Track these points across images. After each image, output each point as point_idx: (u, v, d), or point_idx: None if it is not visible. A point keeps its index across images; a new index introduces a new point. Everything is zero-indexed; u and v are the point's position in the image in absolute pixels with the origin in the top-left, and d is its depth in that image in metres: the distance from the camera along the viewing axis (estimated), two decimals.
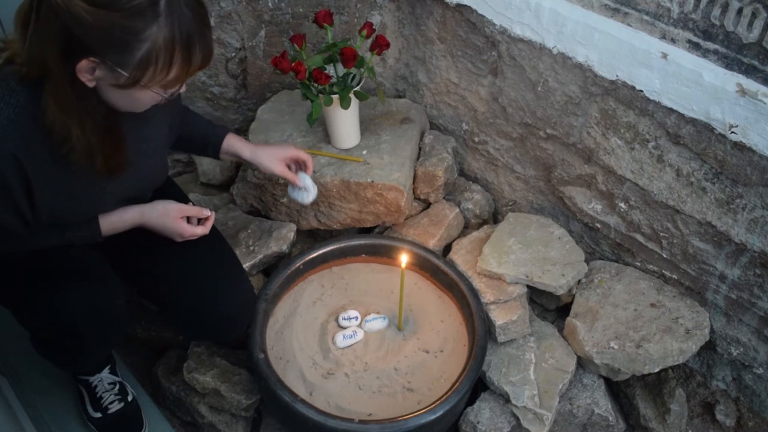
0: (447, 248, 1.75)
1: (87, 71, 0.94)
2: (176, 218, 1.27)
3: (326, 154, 1.68)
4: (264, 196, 1.74)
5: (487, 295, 1.55)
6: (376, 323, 1.54)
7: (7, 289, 1.23)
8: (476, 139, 1.85)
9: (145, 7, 0.90)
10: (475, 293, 1.55)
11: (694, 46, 1.27)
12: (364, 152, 1.71)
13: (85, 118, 1.00)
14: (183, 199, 1.41)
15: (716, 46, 1.24)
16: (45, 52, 0.93)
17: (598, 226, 1.65)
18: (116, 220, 1.24)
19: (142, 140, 1.19)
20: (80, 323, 1.19)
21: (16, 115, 0.98)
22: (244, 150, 1.44)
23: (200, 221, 1.33)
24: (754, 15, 1.16)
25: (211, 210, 1.33)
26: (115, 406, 1.49)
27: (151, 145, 1.22)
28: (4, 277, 1.22)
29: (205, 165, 1.92)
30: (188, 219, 1.31)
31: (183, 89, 1.06)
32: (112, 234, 1.25)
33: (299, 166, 1.49)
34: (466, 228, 1.85)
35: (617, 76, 1.39)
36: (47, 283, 1.19)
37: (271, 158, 1.43)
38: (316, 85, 1.54)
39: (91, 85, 0.97)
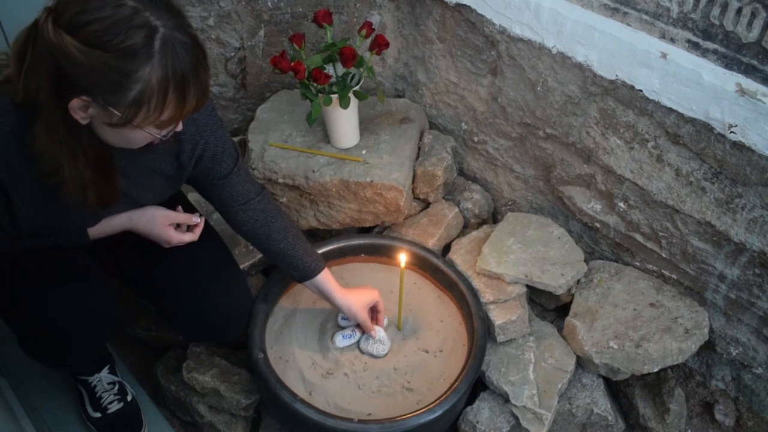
0: (446, 248, 1.75)
1: (80, 109, 0.93)
2: (163, 225, 1.27)
3: (325, 153, 1.68)
4: None
5: (486, 295, 1.55)
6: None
7: None
8: (475, 139, 1.85)
9: (138, 48, 0.87)
10: (474, 293, 1.55)
11: (694, 46, 1.27)
12: (364, 152, 1.71)
13: (77, 153, 0.99)
14: (181, 200, 1.41)
15: (715, 46, 1.24)
16: (38, 87, 0.91)
17: (598, 225, 1.65)
18: (104, 226, 1.23)
19: (140, 174, 1.17)
20: (64, 323, 1.18)
21: (4, 134, 0.98)
22: (336, 292, 1.41)
23: (189, 228, 1.32)
24: (753, 14, 1.16)
25: (200, 216, 1.32)
26: (115, 406, 1.49)
27: (148, 180, 1.20)
28: None
29: None
30: (177, 225, 1.30)
31: (179, 127, 1.04)
32: (100, 237, 1.24)
33: (374, 312, 1.49)
34: (466, 228, 1.85)
35: (617, 75, 1.39)
36: (32, 283, 1.18)
37: (359, 305, 1.43)
38: (315, 84, 1.54)
39: (84, 122, 0.95)
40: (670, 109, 1.33)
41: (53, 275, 1.20)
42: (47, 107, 0.93)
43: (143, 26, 0.87)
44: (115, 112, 0.92)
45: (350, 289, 1.46)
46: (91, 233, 1.22)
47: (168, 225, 1.27)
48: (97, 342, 1.34)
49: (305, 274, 1.39)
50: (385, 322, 1.54)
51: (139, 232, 1.27)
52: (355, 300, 1.43)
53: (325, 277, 1.41)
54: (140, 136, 0.98)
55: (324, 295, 1.43)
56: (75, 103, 0.91)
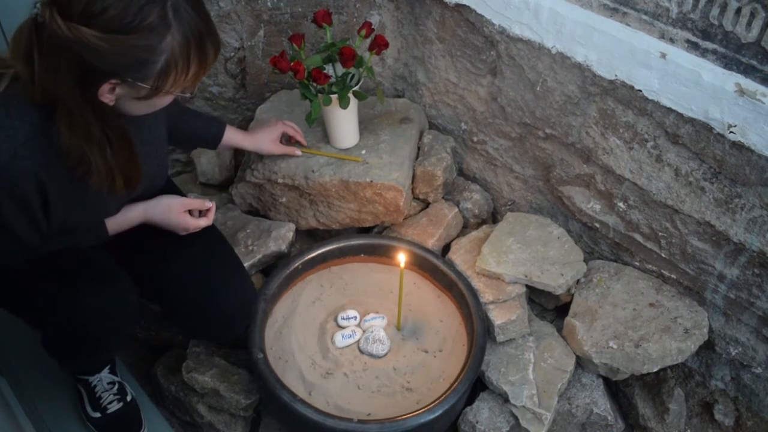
0: (446, 248, 1.75)
1: (107, 93, 0.96)
2: (179, 212, 1.29)
3: (325, 153, 1.68)
4: (263, 196, 1.74)
5: (486, 295, 1.55)
6: (375, 323, 1.54)
7: (17, 293, 1.23)
8: (475, 139, 1.85)
9: (157, 23, 0.90)
10: (474, 293, 1.55)
11: (693, 46, 1.28)
12: (363, 152, 1.71)
13: (104, 142, 1.01)
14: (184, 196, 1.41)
15: (715, 46, 1.24)
16: (59, 84, 0.92)
17: (597, 225, 1.65)
18: (121, 220, 1.25)
19: (144, 144, 1.20)
20: (97, 322, 1.19)
21: (33, 133, 0.98)
22: (245, 142, 1.55)
23: (202, 213, 1.34)
24: (752, 14, 1.16)
25: (211, 201, 1.35)
26: (114, 406, 1.49)
27: (153, 148, 1.23)
28: (10, 280, 1.21)
29: (204, 165, 1.92)
30: (190, 212, 1.32)
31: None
32: (117, 233, 1.26)
33: (290, 140, 1.63)
34: (465, 228, 1.85)
35: (616, 75, 1.39)
36: (62, 284, 1.19)
37: (267, 143, 1.57)
38: (315, 84, 1.54)
39: (112, 104, 0.98)
40: (670, 109, 1.33)
41: (78, 276, 1.21)
42: (71, 102, 0.94)
43: (153, 0, 0.90)
44: (144, 85, 0.95)
45: (255, 130, 1.60)
46: (110, 228, 1.23)
47: (183, 212, 1.30)
48: (122, 340, 1.36)
49: (214, 139, 1.51)
50: (385, 321, 1.55)
51: (155, 222, 1.29)
52: (261, 139, 1.57)
53: (230, 134, 1.53)
54: (167, 99, 1.03)
55: (237, 148, 1.59)
56: (104, 89, 0.94)
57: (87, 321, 1.18)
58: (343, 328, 1.53)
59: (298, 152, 1.61)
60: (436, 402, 1.35)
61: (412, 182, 1.76)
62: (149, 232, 1.31)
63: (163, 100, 1.02)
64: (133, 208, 1.26)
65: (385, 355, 1.49)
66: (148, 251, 1.34)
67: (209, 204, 1.33)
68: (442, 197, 1.84)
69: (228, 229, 1.70)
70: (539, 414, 1.44)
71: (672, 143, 1.38)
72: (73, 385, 1.56)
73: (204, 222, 1.33)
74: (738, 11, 1.18)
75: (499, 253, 1.61)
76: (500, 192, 1.88)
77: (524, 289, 1.59)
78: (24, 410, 1.53)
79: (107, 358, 1.50)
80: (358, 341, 1.50)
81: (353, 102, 1.62)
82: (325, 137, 1.74)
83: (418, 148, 1.84)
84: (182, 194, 1.45)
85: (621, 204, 1.56)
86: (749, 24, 1.17)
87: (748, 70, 1.21)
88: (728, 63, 1.24)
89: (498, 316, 1.53)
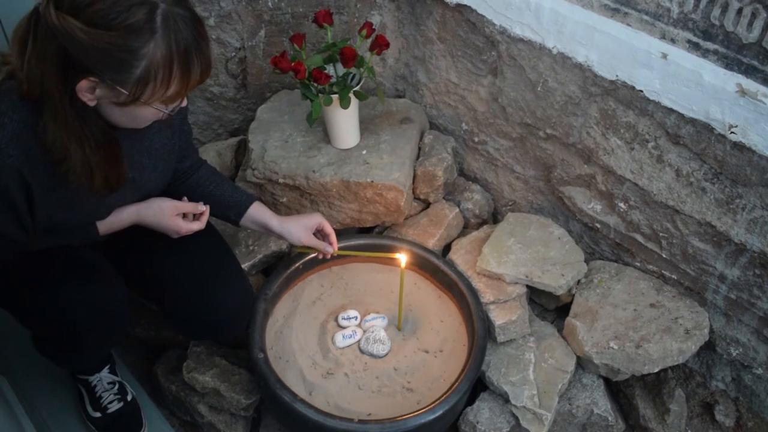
0: (446, 248, 1.75)
1: (87, 90, 0.95)
2: (171, 216, 1.28)
3: (361, 254, 1.64)
4: (263, 196, 1.74)
5: (486, 295, 1.55)
6: (376, 323, 1.54)
7: (7, 289, 1.23)
8: (476, 139, 1.85)
9: (140, 25, 0.90)
10: (474, 293, 1.55)
11: (694, 46, 1.27)
12: (364, 152, 1.71)
13: (84, 137, 1.00)
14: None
15: (716, 46, 1.24)
16: (44, 73, 0.93)
17: (598, 226, 1.65)
18: (113, 221, 1.24)
19: (142, 155, 1.19)
20: (83, 320, 1.19)
21: (20, 130, 0.99)
22: (272, 220, 1.40)
23: (195, 216, 1.33)
24: (753, 15, 1.16)
25: (205, 205, 1.33)
26: (115, 406, 1.49)
27: (150, 160, 1.22)
28: (3, 277, 1.22)
29: None
30: (184, 215, 1.31)
31: (184, 103, 1.06)
32: (109, 233, 1.25)
33: (323, 236, 1.47)
34: (466, 228, 1.85)
35: (617, 76, 1.39)
36: (49, 281, 1.19)
37: (299, 228, 1.41)
38: (315, 84, 1.54)
39: (92, 104, 0.97)
40: (671, 110, 1.33)
41: (67, 273, 1.20)
42: (54, 93, 0.94)
43: (144, 3, 0.90)
44: (123, 90, 0.94)
45: (289, 216, 1.45)
46: (101, 229, 1.23)
47: (176, 215, 1.28)
48: (112, 339, 1.36)
49: (240, 209, 1.39)
50: (385, 321, 1.55)
51: (147, 224, 1.28)
52: (294, 224, 1.41)
53: (259, 209, 1.41)
54: (148, 113, 1.01)
55: (264, 227, 1.41)
56: (83, 85, 0.93)
57: (73, 317, 1.18)
58: (343, 328, 1.53)
59: (329, 251, 1.46)
60: (437, 402, 1.35)
61: (413, 182, 1.76)
62: (146, 232, 1.30)
63: (144, 113, 1.01)
64: (125, 209, 1.25)
65: (386, 355, 1.49)
66: (145, 251, 1.34)
67: (203, 208, 1.31)
68: (443, 197, 1.84)
69: (229, 228, 1.70)
70: (540, 414, 1.44)
71: (673, 144, 1.38)
72: (73, 385, 1.56)
73: (197, 226, 1.31)
74: (739, 12, 1.18)
75: (500, 254, 1.61)
76: (501, 192, 1.88)
77: (525, 290, 1.59)
78: (24, 410, 1.53)
79: (99, 355, 1.49)
80: (358, 341, 1.50)
81: (354, 102, 1.62)
82: (326, 137, 1.74)
83: (419, 149, 1.84)
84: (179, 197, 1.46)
85: (622, 204, 1.56)
86: (750, 24, 1.17)
87: (749, 71, 1.21)
88: (729, 63, 1.24)
89: (498, 317, 1.53)
